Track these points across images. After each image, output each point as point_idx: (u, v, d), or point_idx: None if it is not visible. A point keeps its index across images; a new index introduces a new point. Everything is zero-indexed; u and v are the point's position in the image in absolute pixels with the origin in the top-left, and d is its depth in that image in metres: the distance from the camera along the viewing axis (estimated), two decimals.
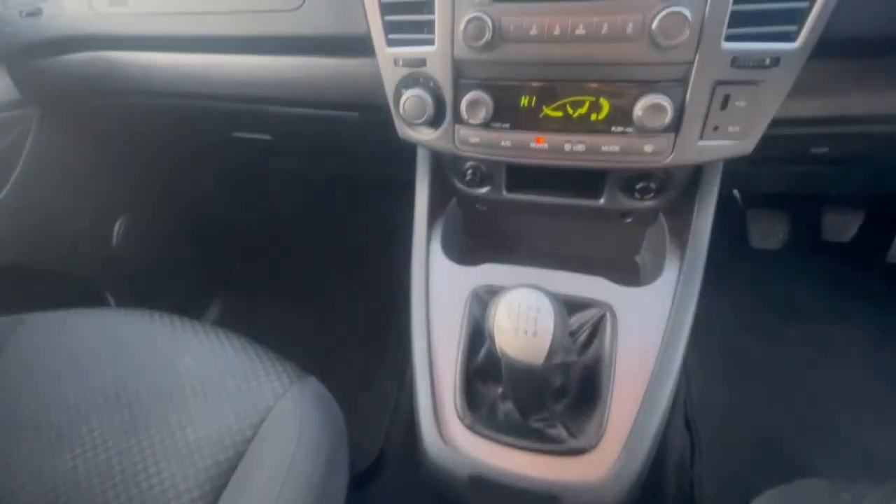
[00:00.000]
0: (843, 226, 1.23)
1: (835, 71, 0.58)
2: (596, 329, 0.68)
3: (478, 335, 0.69)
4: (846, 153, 0.73)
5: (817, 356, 1.13)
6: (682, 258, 0.67)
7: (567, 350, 0.64)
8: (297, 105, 0.84)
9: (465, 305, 0.70)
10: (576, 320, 0.68)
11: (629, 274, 0.81)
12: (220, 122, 1.00)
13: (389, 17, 0.63)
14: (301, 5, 0.69)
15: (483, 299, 0.71)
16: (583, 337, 0.69)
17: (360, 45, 0.67)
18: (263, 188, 1.43)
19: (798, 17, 0.52)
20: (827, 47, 0.53)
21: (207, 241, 1.42)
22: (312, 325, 1.31)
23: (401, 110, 0.65)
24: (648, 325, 0.66)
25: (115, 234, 1.18)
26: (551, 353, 0.51)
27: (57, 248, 1.12)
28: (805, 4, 0.51)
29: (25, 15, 0.87)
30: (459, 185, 0.82)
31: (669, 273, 0.70)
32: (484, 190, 0.81)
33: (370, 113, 0.74)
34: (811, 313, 1.18)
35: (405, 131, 0.70)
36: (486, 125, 0.64)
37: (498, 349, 0.54)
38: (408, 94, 0.63)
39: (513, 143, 0.64)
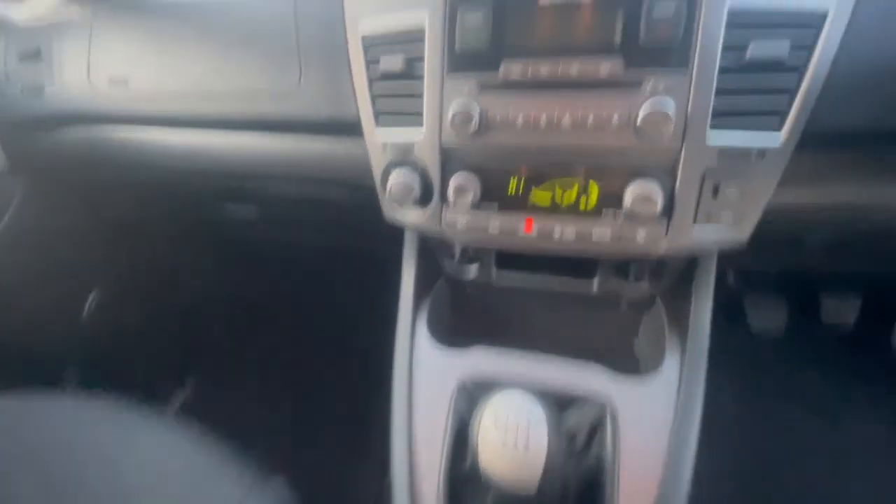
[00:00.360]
0: (842, 310, 1.21)
1: (825, 161, 0.58)
2: (595, 429, 0.62)
3: (464, 435, 0.62)
4: (842, 240, 0.72)
5: (832, 446, 1.06)
6: (682, 348, 0.63)
7: (563, 461, 0.57)
8: (287, 180, 0.83)
9: (450, 401, 0.65)
10: (573, 419, 0.62)
11: (627, 361, 0.76)
12: (208, 195, 1.00)
13: (379, 104, 0.64)
14: (297, 87, 0.70)
15: (470, 393, 0.66)
16: (580, 438, 0.62)
17: (348, 128, 0.68)
18: (247, 262, 1.40)
19: (778, 112, 0.53)
20: (815, 139, 0.53)
21: (183, 317, 1.37)
22: (289, 412, 1.21)
23: (387, 192, 0.64)
24: (653, 424, 0.61)
25: (86, 309, 1.13)
26: (546, 472, 0.45)
27: (24, 320, 1.06)
28: (785, 99, 0.52)
29: (27, 92, 0.89)
30: (448, 266, 0.79)
31: (671, 363, 0.65)
32: (473, 272, 0.79)
33: (359, 192, 0.73)
34: (823, 402, 1.12)
35: (392, 212, 0.69)
36: (473, 207, 0.62)
37: (482, 470, 0.47)
38: (395, 178, 0.63)
39: (501, 229, 0.62)
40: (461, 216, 0.64)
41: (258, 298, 1.42)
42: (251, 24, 0.73)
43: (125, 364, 1.21)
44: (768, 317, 1.23)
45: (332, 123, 0.70)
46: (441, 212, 0.65)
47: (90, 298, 1.13)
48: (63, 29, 0.87)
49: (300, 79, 0.70)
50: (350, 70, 0.65)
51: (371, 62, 0.63)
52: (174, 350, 1.33)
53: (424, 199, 0.64)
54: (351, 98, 0.66)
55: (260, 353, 1.38)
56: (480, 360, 0.69)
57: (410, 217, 0.67)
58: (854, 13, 0.50)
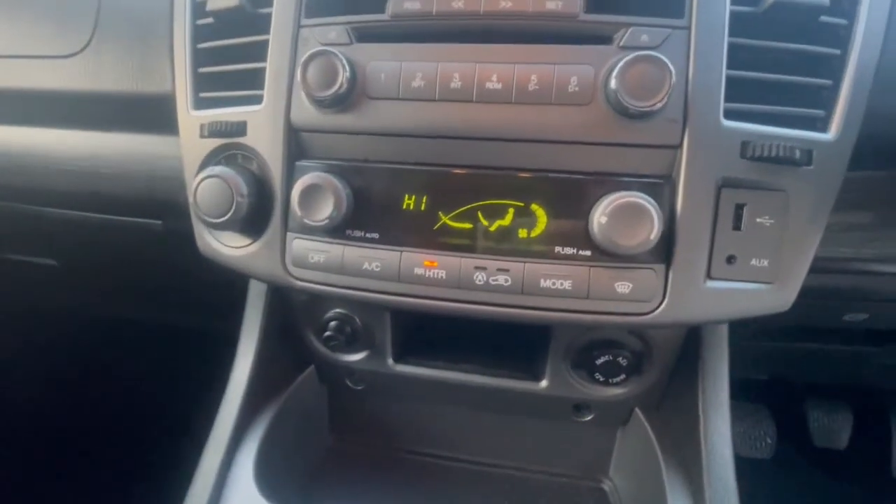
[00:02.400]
0: (833, 431, 1.02)
1: (875, 190, 0.38)
2: None
3: None
4: (890, 323, 0.51)
5: None
6: (691, 490, 0.40)
7: None
8: (81, 206, 0.54)
9: None
10: None
11: None
12: None
13: (204, 69, 0.40)
14: (82, 49, 0.45)
15: None
16: None
17: (160, 114, 0.43)
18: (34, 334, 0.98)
19: (822, 98, 0.35)
20: (864, 151, 0.34)
21: None
22: None
23: (196, 202, 0.37)
24: None
25: None
26: None
27: None
28: (828, 82, 0.33)
29: None
30: (318, 346, 0.50)
31: None
32: (358, 356, 0.50)
33: (177, 219, 0.45)
34: None
35: (205, 240, 0.41)
36: (337, 232, 0.36)
37: None
38: (204, 174, 0.36)
39: (384, 268, 0.36)
40: (317, 248, 0.37)
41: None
42: None
43: None
44: (754, 436, 1.01)
45: (134, 103, 0.46)
46: (283, 242, 0.38)
47: None
48: None
49: (92, 37, 0.45)
50: (168, 24, 0.42)
51: (198, 5, 0.41)
52: None
53: (256, 219, 0.38)
54: (164, 63, 0.43)
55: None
56: None
57: (232, 250, 0.40)
58: None
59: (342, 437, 0.58)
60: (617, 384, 0.47)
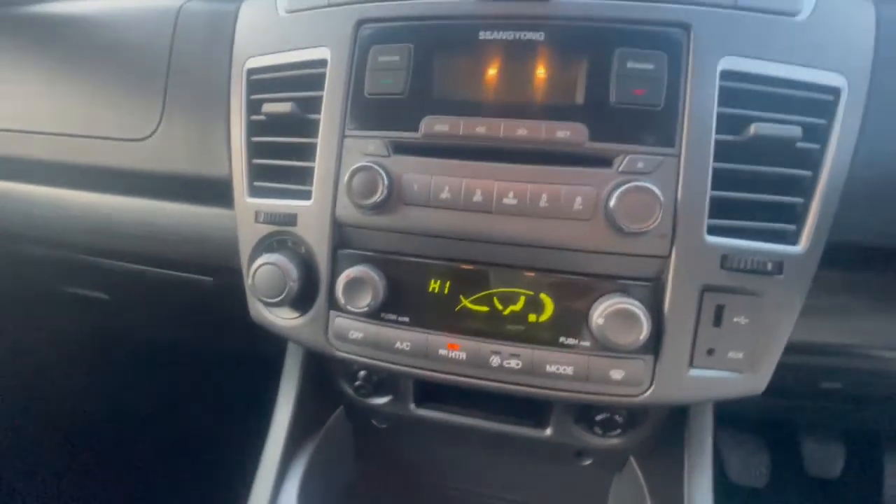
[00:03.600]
0: (827, 460, 1.04)
1: (847, 285, 0.43)
2: None
3: None
4: (864, 391, 0.56)
5: None
6: None
7: None
8: (138, 261, 0.61)
9: None
10: None
11: None
12: (46, 273, 0.74)
13: (258, 161, 0.46)
14: (151, 135, 0.51)
15: None
16: None
17: (216, 191, 0.49)
18: (97, 358, 1.06)
19: (794, 214, 0.39)
20: (843, 252, 0.38)
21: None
22: None
23: (252, 282, 0.43)
24: None
25: None
26: None
27: None
28: (799, 201, 0.38)
29: None
30: (348, 391, 0.56)
31: None
32: (384, 400, 0.56)
33: (226, 277, 0.52)
34: None
35: (258, 312, 0.47)
36: (373, 315, 0.42)
37: None
38: (263, 263, 0.42)
39: (413, 348, 0.42)
40: (355, 327, 0.43)
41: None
42: (112, 47, 0.55)
43: None
44: (748, 465, 1.04)
45: (195, 183, 0.52)
46: (327, 319, 0.44)
47: None
48: None
49: (159, 124, 0.51)
50: (227, 117, 0.48)
51: (253, 103, 0.47)
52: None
53: (304, 297, 0.44)
54: (223, 151, 0.49)
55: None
56: None
57: (283, 321, 0.46)
58: (871, 93, 0.38)
59: (366, 468, 0.64)
60: (613, 436, 0.53)
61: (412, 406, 0.55)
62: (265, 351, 0.59)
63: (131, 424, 1.07)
